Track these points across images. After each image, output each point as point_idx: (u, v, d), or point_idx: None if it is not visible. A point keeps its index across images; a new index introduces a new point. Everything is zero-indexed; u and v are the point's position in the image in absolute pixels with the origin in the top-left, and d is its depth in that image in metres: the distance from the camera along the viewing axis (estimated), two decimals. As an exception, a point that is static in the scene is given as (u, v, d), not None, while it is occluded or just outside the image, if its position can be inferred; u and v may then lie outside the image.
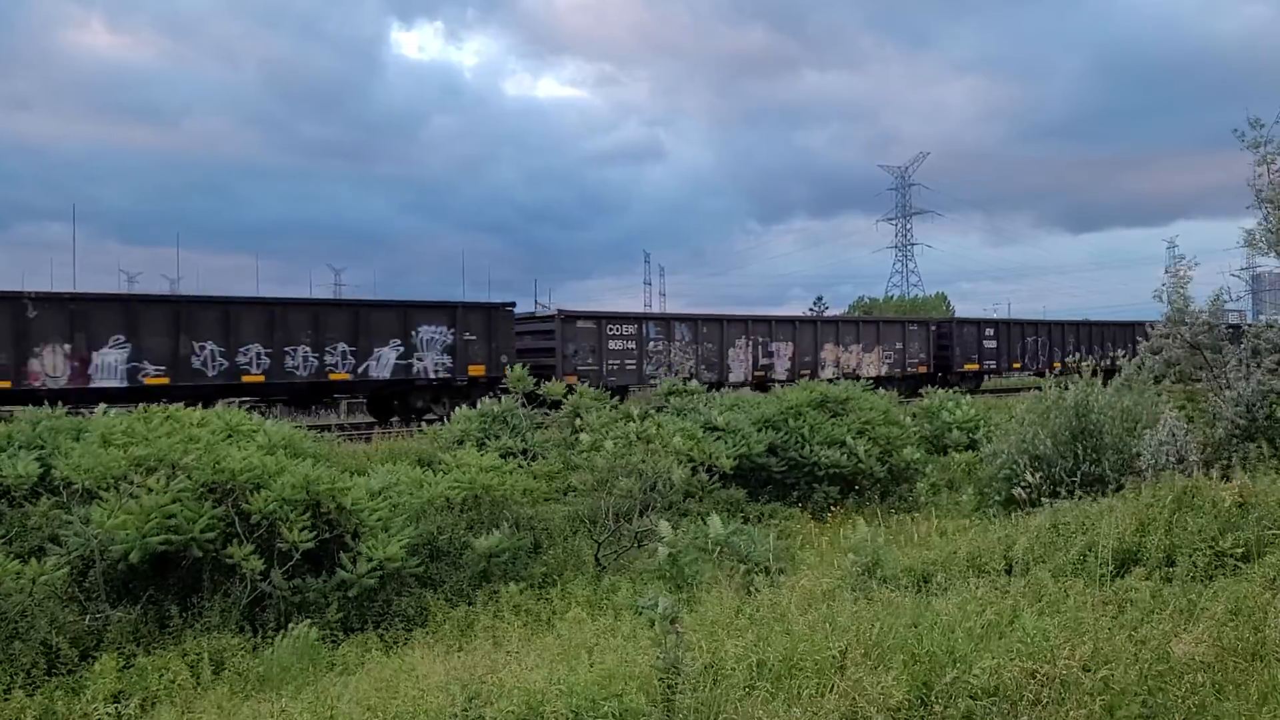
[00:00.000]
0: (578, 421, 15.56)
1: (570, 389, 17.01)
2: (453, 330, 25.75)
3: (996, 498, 12.00)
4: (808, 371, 32.50)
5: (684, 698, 4.25)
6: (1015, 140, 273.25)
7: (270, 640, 8.00)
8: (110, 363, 21.24)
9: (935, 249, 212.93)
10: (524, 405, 16.71)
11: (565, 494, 12.85)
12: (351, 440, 18.72)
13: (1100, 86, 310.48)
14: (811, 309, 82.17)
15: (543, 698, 4.50)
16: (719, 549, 8.31)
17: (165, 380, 21.71)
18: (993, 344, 39.68)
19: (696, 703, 4.26)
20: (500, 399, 16.39)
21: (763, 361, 32.48)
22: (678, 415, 16.81)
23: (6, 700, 7.05)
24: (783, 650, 4.83)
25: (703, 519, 10.37)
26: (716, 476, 13.44)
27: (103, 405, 14.45)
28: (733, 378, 31.22)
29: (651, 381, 27.98)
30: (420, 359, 25.10)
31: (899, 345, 36.59)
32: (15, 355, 20.11)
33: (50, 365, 20.51)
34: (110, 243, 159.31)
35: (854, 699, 4.25)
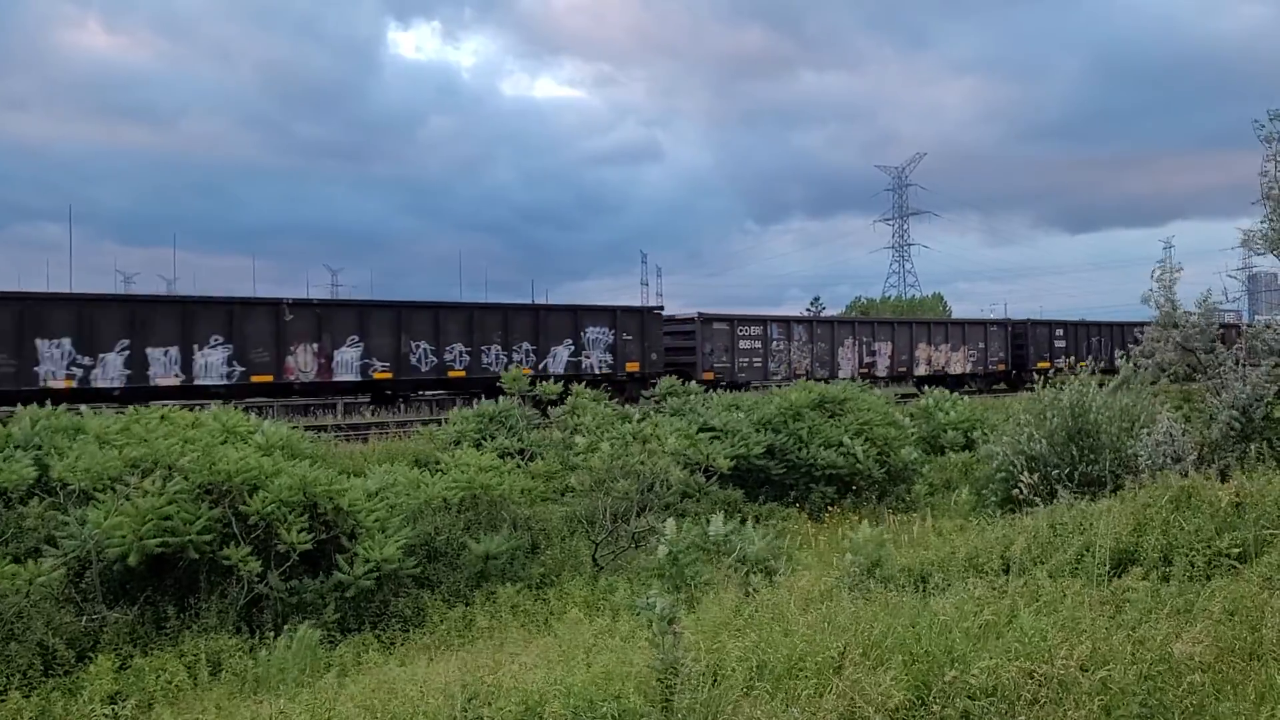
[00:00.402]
0: (574, 422, 15.56)
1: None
2: (613, 331, 29.11)
3: (993, 498, 12.00)
4: (904, 368, 35.88)
5: (682, 698, 4.25)
6: (1013, 140, 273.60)
7: (268, 641, 8.00)
8: (348, 359, 25.06)
9: (934, 249, 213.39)
10: (520, 405, 16.71)
11: (563, 494, 12.85)
12: (349, 441, 18.71)
13: (1098, 87, 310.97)
14: (808, 310, 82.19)
15: (541, 699, 4.50)
16: (719, 549, 8.30)
17: (389, 375, 25.51)
18: (1062, 343, 42.15)
19: (694, 703, 4.25)
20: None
21: (866, 359, 35.59)
22: (675, 416, 16.82)
23: (3, 702, 7.05)
24: (781, 650, 4.83)
25: (700, 519, 10.38)
26: (715, 477, 13.44)
27: (87, 406, 14.44)
28: (841, 374, 33.37)
29: (774, 377, 30.97)
30: (588, 356, 28.58)
31: (981, 345, 39.49)
32: (276, 354, 23.96)
33: (302, 362, 24.38)
34: (107, 243, 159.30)
35: (852, 699, 4.25)
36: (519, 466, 12.57)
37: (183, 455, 9.34)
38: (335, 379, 24.82)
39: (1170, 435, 10.32)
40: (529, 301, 29.30)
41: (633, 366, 29.07)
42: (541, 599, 9.47)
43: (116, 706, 6.73)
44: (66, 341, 21.07)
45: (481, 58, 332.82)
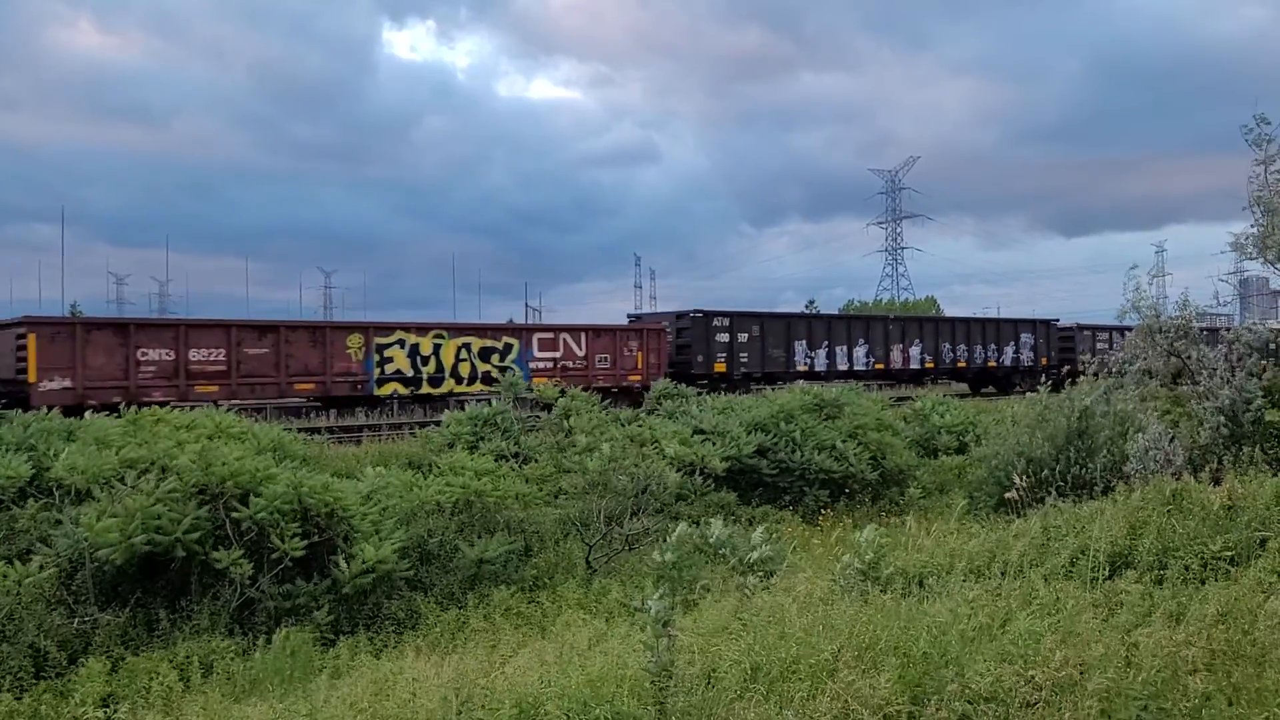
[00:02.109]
0: (568, 424, 15.56)
1: (562, 392, 16.97)
2: (1033, 336, 42.54)
3: (988, 501, 12.02)
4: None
5: (676, 701, 4.25)
6: (1010, 143, 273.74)
7: (260, 643, 7.97)
8: (913, 354, 38.14)
9: (930, 252, 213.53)
10: (515, 407, 16.70)
11: (556, 497, 12.85)
12: (341, 443, 18.67)
13: (1097, 88, 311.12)
14: (805, 310, 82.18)
15: (535, 701, 4.49)
16: (717, 552, 8.30)
17: (932, 365, 38.64)
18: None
19: (689, 706, 4.25)
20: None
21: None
22: (669, 418, 16.83)
23: (-6, 704, 7.02)
24: (776, 653, 4.83)
25: (694, 522, 10.37)
26: (709, 480, 13.45)
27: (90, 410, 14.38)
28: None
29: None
30: (1018, 355, 41.70)
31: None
32: (885, 351, 36.99)
33: (894, 357, 37.31)
34: (100, 245, 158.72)
35: (846, 701, 4.25)
36: (514, 469, 12.56)
37: (179, 456, 9.32)
38: (909, 368, 37.66)
39: (1160, 440, 10.34)
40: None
41: (1044, 360, 42.63)
42: (535, 602, 9.46)
43: (108, 709, 6.72)
44: (802, 344, 34.35)
45: (476, 58, 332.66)
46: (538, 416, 16.76)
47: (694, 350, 30.85)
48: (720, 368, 31.37)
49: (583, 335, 28.31)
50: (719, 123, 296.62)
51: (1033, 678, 4.34)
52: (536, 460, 14.44)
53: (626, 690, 4.57)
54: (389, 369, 24.63)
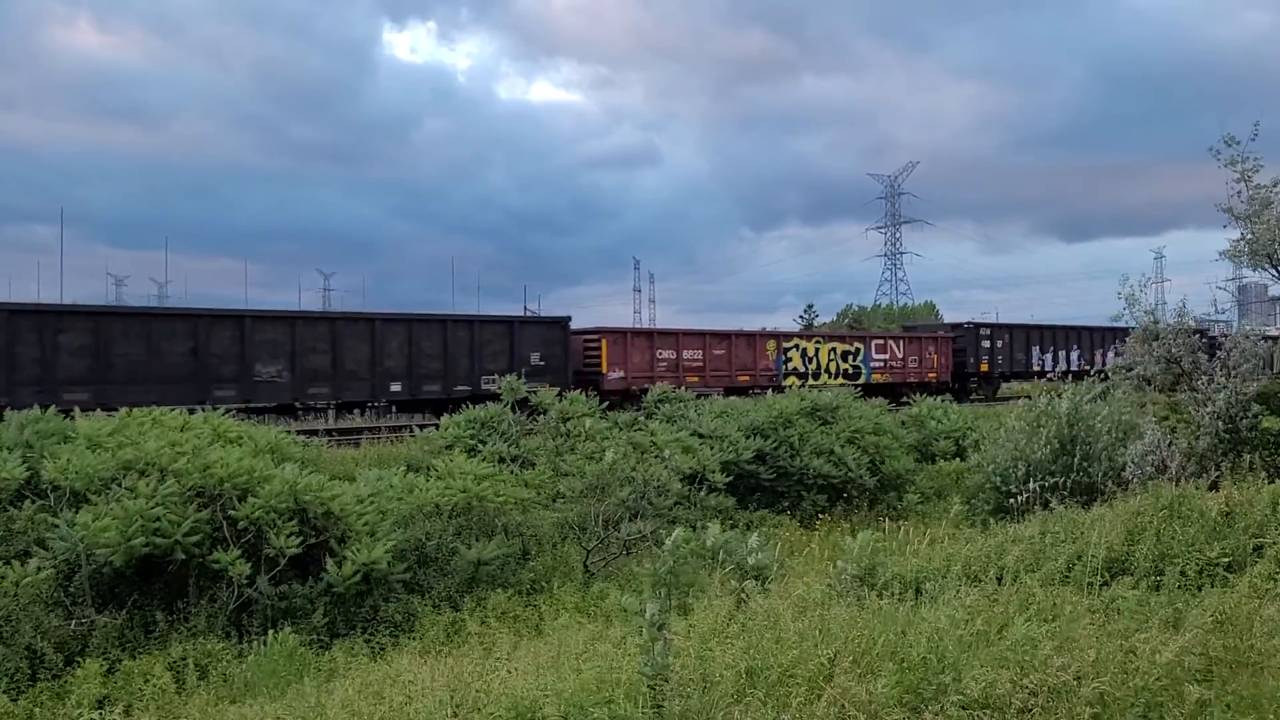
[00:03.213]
0: (565, 427, 15.56)
1: (562, 395, 16.98)
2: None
3: (986, 506, 12.03)
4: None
5: (673, 705, 4.24)
6: (1012, 148, 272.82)
7: (256, 645, 7.97)
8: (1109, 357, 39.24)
9: (930, 257, 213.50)
10: (515, 411, 16.69)
11: (554, 500, 12.85)
12: (339, 445, 18.67)
13: (1099, 94, 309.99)
14: (801, 317, 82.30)
15: (531, 704, 4.49)
16: (714, 556, 8.30)
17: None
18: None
19: (685, 709, 4.25)
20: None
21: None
22: (668, 423, 16.83)
23: (-10, 705, 7.01)
24: (773, 657, 4.82)
25: (693, 526, 10.37)
26: (705, 486, 13.46)
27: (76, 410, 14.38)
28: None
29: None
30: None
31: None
32: (1091, 354, 41.79)
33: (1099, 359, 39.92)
34: (98, 246, 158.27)
35: (843, 706, 4.25)
36: (513, 473, 12.56)
37: (176, 459, 9.31)
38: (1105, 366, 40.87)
39: (1157, 445, 10.36)
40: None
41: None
42: (532, 605, 9.45)
43: (104, 710, 6.71)
44: (1036, 349, 40.67)
45: (477, 60, 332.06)
46: (535, 420, 16.76)
47: (968, 354, 38.66)
48: (984, 368, 39.16)
49: (901, 342, 37.37)
50: (720, 126, 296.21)
51: (1029, 684, 4.34)
52: (535, 464, 14.44)
53: (623, 694, 4.57)
54: (790, 366, 33.36)
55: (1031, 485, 10.53)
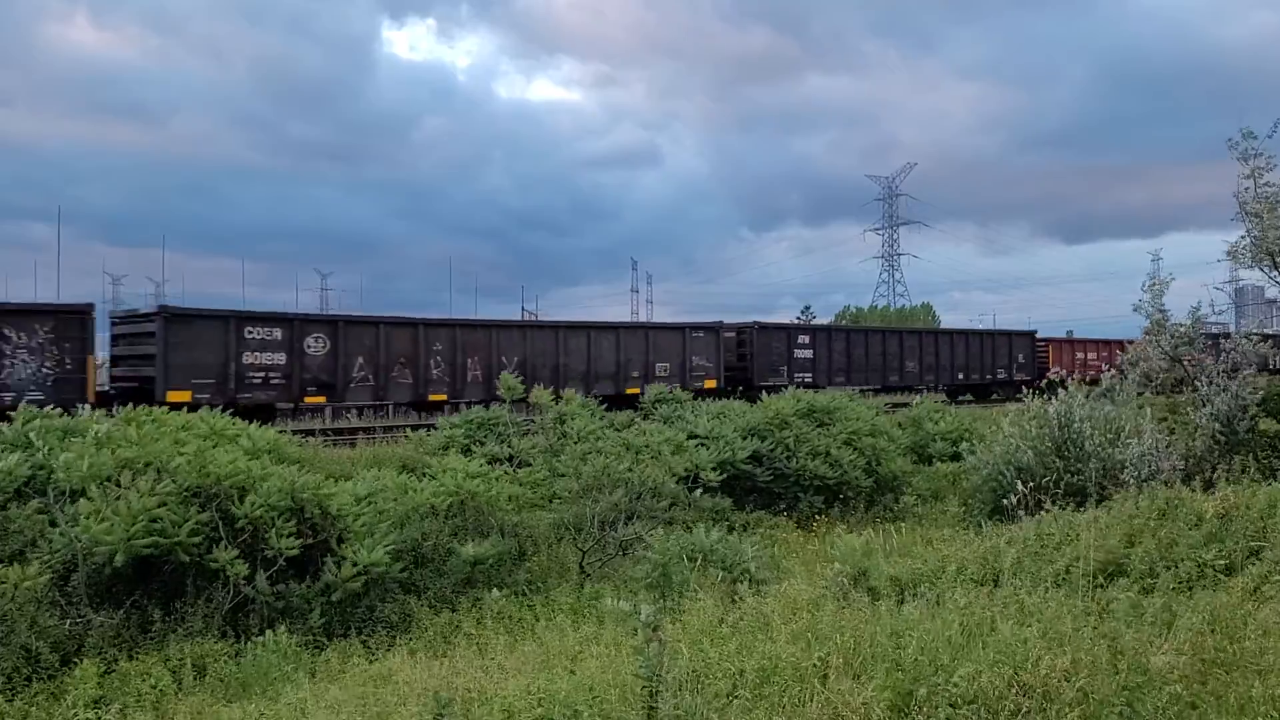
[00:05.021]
0: (562, 428, 15.55)
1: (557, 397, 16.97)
2: None
3: (982, 508, 12.04)
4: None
5: (665, 705, 4.26)
6: (1015, 148, 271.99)
7: (254, 645, 7.97)
8: None
9: (929, 259, 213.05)
10: (511, 411, 16.68)
11: (550, 501, 12.85)
12: (335, 445, 18.67)
13: (1104, 94, 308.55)
14: (798, 318, 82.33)
15: (524, 705, 4.50)
16: (704, 558, 8.32)
17: None
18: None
19: (678, 711, 4.26)
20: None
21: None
22: (664, 424, 16.84)
23: (-14, 705, 7.01)
24: (765, 659, 4.84)
25: (687, 527, 10.38)
26: (702, 488, 13.46)
27: (86, 407, 14.40)
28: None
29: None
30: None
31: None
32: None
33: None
34: (96, 244, 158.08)
35: (835, 707, 4.26)
36: (508, 473, 12.56)
37: (175, 458, 9.31)
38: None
39: (1155, 447, 10.38)
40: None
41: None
42: (528, 605, 9.46)
43: (100, 711, 6.71)
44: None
45: (476, 58, 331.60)
46: (532, 420, 16.75)
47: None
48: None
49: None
50: (721, 125, 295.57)
51: (1020, 684, 4.36)
52: (531, 464, 14.44)
53: (616, 695, 4.58)
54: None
55: (1020, 487, 10.54)
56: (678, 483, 12.52)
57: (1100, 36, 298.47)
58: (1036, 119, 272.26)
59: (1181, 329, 12.48)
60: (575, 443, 14.19)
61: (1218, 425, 11.08)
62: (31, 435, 11.38)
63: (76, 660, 7.69)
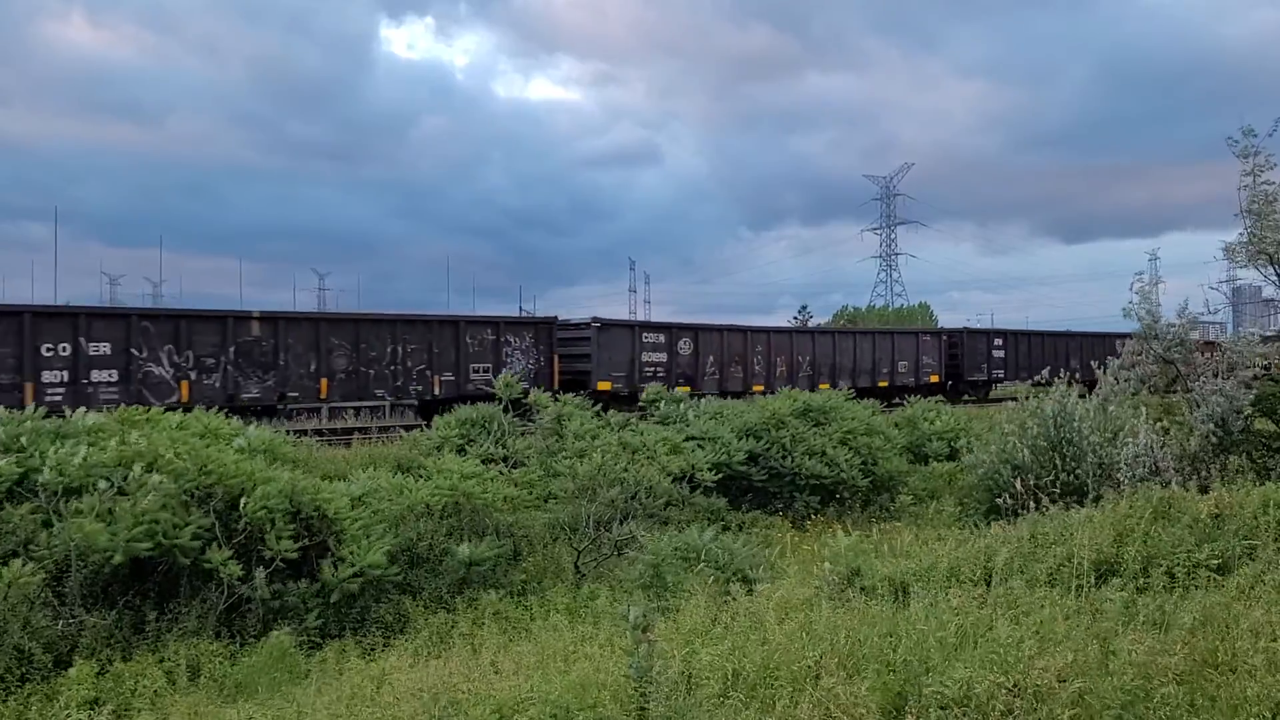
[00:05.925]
0: (558, 429, 15.53)
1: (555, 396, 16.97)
2: None
3: (977, 508, 12.05)
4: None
5: (657, 706, 4.25)
6: (1014, 148, 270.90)
7: (249, 646, 7.96)
8: None
9: (928, 259, 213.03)
10: (507, 412, 16.66)
11: (545, 501, 12.84)
12: (330, 445, 18.66)
13: (1104, 93, 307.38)
14: (795, 318, 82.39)
15: (517, 705, 4.49)
16: (698, 557, 8.32)
17: None
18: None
19: (670, 711, 4.26)
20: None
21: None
22: (661, 424, 16.83)
23: (-21, 706, 6.99)
24: (758, 659, 4.84)
25: (682, 527, 10.38)
26: (699, 488, 13.46)
27: (82, 409, 14.36)
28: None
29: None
30: None
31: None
32: None
33: None
34: (93, 244, 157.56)
35: (828, 708, 4.26)
36: (502, 473, 12.55)
37: (174, 459, 9.29)
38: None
39: (1150, 447, 10.38)
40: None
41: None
42: (523, 606, 9.45)
43: (94, 712, 6.70)
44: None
45: (475, 56, 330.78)
46: (530, 421, 16.73)
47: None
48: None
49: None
50: (720, 124, 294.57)
51: (1013, 684, 4.36)
52: (526, 464, 14.42)
53: (608, 695, 4.58)
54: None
55: (1018, 486, 10.55)
56: (673, 482, 12.52)
57: (1101, 35, 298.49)
58: (1037, 118, 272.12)
59: (1171, 330, 12.48)
60: (573, 442, 14.18)
61: (1212, 425, 11.09)
62: (23, 435, 11.37)
63: (70, 661, 7.68)
